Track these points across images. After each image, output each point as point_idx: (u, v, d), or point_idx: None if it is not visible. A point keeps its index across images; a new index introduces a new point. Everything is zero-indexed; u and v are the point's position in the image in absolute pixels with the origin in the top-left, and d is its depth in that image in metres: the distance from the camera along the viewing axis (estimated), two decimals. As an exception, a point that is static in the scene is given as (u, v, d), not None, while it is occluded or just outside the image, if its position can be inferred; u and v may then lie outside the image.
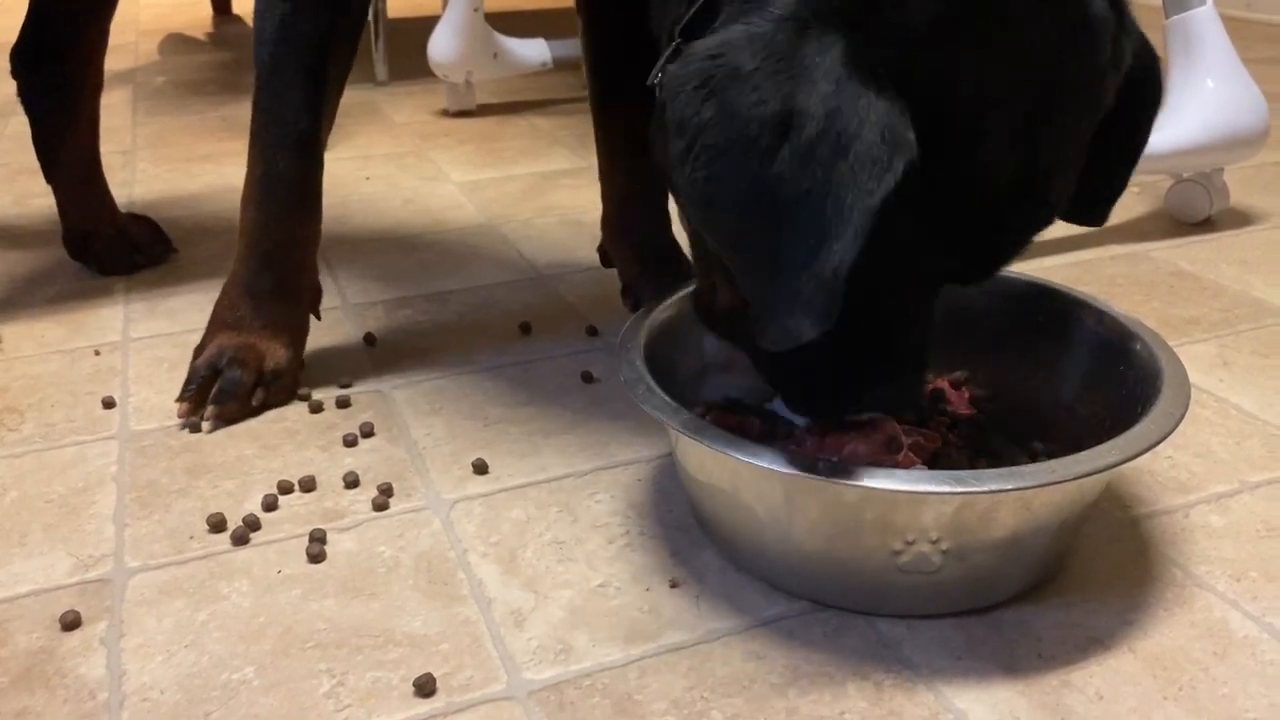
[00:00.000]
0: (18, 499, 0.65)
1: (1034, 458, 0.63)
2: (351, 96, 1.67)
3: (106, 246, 0.99)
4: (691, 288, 0.68)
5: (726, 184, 0.45)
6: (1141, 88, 0.54)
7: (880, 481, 0.49)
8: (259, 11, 0.73)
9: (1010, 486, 0.49)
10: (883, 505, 0.50)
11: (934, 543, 0.51)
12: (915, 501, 0.50)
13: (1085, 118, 0.50)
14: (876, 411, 0.57)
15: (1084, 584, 0.56)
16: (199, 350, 0.76)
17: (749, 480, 0.54)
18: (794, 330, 0.44)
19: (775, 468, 0.50)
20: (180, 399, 0.73)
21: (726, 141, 0.45)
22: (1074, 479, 0.50)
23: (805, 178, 0.44)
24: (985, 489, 0.49)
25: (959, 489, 0.48)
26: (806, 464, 0.50)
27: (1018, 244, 0.52)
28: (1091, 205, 0.58)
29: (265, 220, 0.76)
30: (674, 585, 0.57)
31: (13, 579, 0.58)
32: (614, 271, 0.93)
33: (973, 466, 0.62)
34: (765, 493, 0.53)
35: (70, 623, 0.54)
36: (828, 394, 0.56)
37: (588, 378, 0.78)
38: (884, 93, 0.44)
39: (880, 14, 0.45)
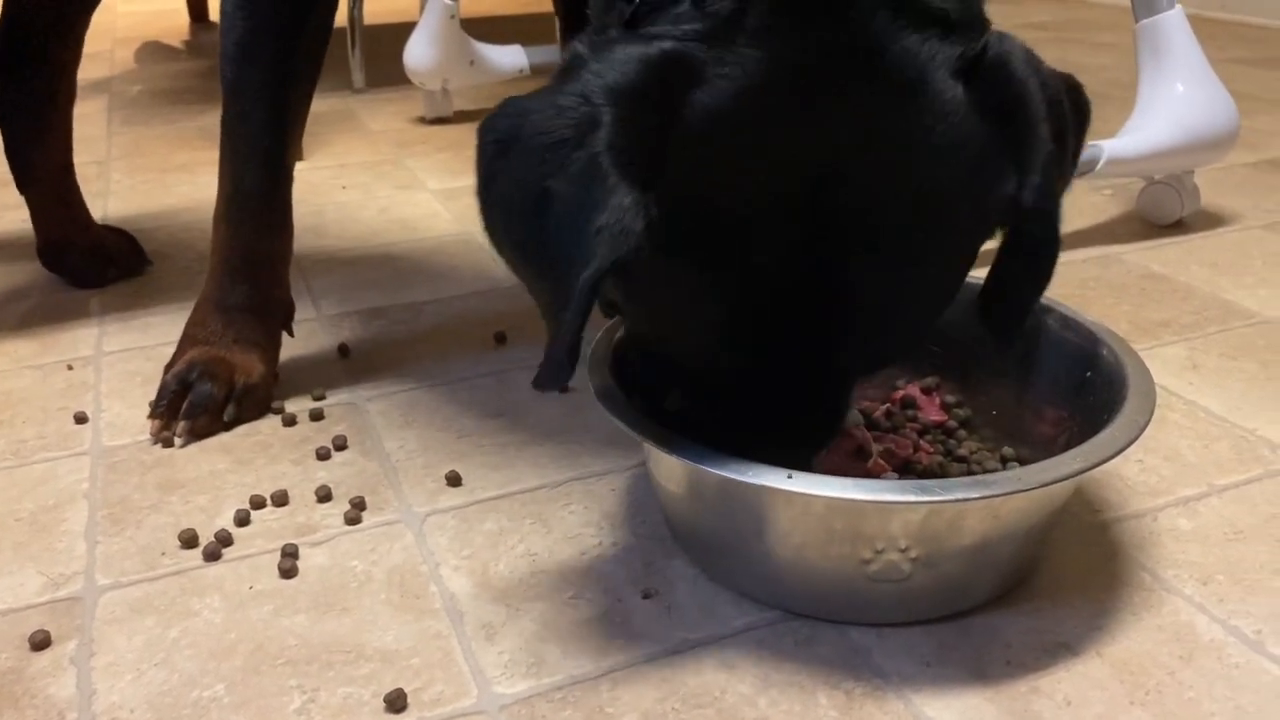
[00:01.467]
0: (-12, 517, 0.65)
1: (1004, 462, 0.64)
2: (328, 104, 1.67)
3: (81, 259, 0.98)
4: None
5: (506, 233, 0.49)
6: (1043, 222, 0.50)
7: (848, 492, 0.49)
8: (223, 30, 0.73)
9: (975, 495, 0.49)
10: (851, 515, 0.51)
11: (903, 551, 0.51)
12: (883, 511, 0.50)
13: (921, 241, 0.48)
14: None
15: (1053, 589, 0.57)
16: (169, 366, 0.75)
17: (720, 491, 0.54)
18: (539, 381, 0.48)
19: (745, 479, 0.50)
20: (151, 415, 0.73)
21: (506, 200, 0.48)
22: (1039, 487, 0.50)
23: (550, 252, 0.46)
24: (951, 498, 0.49)
25: (925, 498, 0.49)
26: (775, 474, 0.50)
27: (863, 355, 0.51)
28: (1001, 324, 0.56)
29: (235, 236, 0.76)
30: (646, 596, 0.57)
31: (-18, 598, 0.58)
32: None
33: (944, 471, 0.62)
34: (737, 503, 0.53)
35: (40, 642, 0.54)
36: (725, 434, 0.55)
37: (562, 387, 0.78)
38: (629, 182, 0.44)
39: (659, 103, 0.45)
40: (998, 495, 0.50)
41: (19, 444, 0.73)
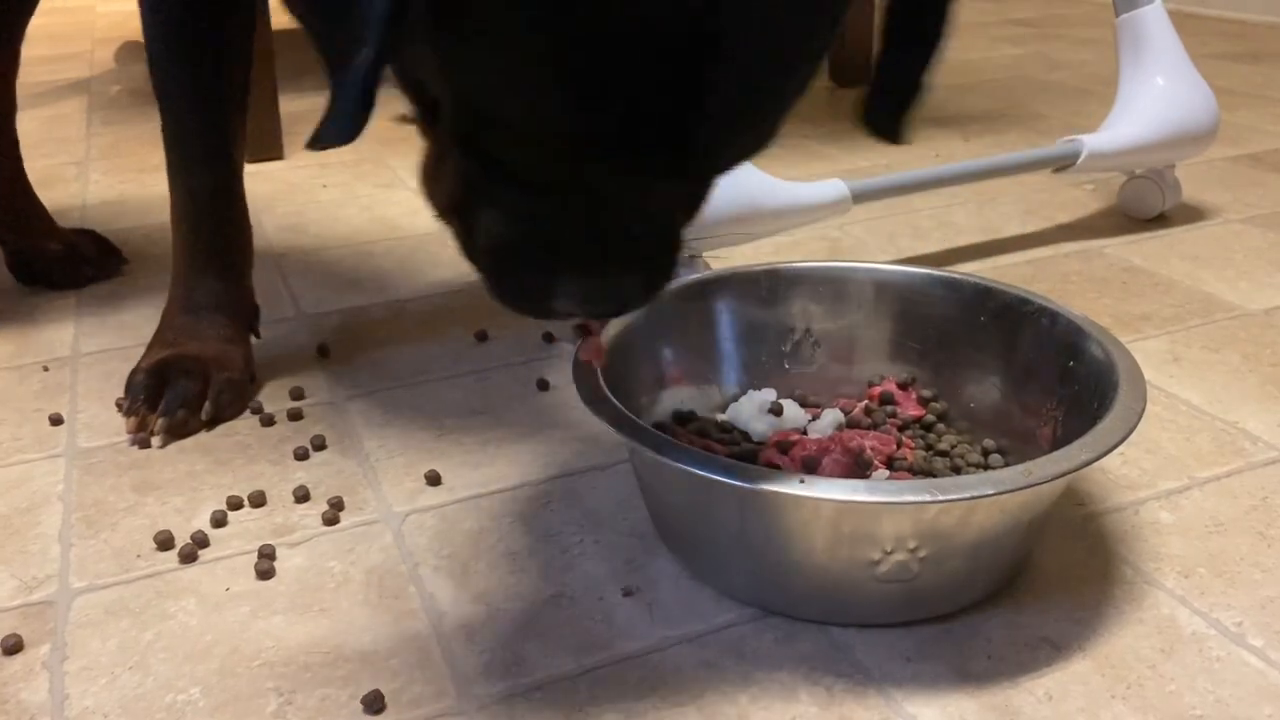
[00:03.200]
0: (-39, 520, 0.64)
1: (985, 454, 0.64)
2: (309, 103, 1.66)
3: (53, 264, 0.97)
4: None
5: None
6: None
7: (859, 494, 0.48)
8: (145, 37, 0.72)
9: (990, 492, 0.48)
10: (862, 517, 0.50)
11: (912, 551, 0.51)
12: (895, 512, 0.49)
13: None
14: (571, 309, 0.47)
15: (1034, 584, 0.57)
16: (137, 368, 0.75)
17: (728, 500, 0.52)
18: (323, 135, 0.40)
19: (755, 485, 0.49)
20: (127, 414, 0.72)
21: None
22: (1052, 480, 0.49)
23: None
24: (965, 496, 0.48)
25: (941, 497, 0.48)
26: (788, 480, 0.49)
27: (721, 138, 0.42)
28: (885, 117, 0.51)
29: (194, 236, 0.76)
30: (627, 594, 0.56)
31: (-46, 603, 0.57)
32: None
33: (928, 466, 0.62)
34: (743, 510, 0.52)
35: (12, 647, 0.53)
36: (524, 283, 0.48)
37: (543, 385, 0.78)
38: None
39: None
40: (1011, 491, 0.49)
41: (-7, 446, 0.72)
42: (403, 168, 1.32)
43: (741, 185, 0.84)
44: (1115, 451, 0.63)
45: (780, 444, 0.62)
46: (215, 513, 0.63)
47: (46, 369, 0.83)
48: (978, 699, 0.49)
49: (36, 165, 1.33)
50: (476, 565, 0.59)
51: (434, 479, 0.67)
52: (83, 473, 0.68)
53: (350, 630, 0.54)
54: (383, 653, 0.53)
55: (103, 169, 1.35)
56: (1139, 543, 0.60)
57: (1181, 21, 1.04)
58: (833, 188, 0.89)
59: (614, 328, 0.64)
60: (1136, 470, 0.66)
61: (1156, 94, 1.01)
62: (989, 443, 0.64)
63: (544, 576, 0.58)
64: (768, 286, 0.70)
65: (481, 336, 0.85)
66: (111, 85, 1.82)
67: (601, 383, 0.57)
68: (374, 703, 0.49)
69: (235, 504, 0.64)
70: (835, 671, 0.51)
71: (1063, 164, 0.99)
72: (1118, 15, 1.03)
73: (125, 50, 2.10)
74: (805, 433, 0.64)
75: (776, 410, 0.65)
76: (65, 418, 0.75)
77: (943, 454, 0.64)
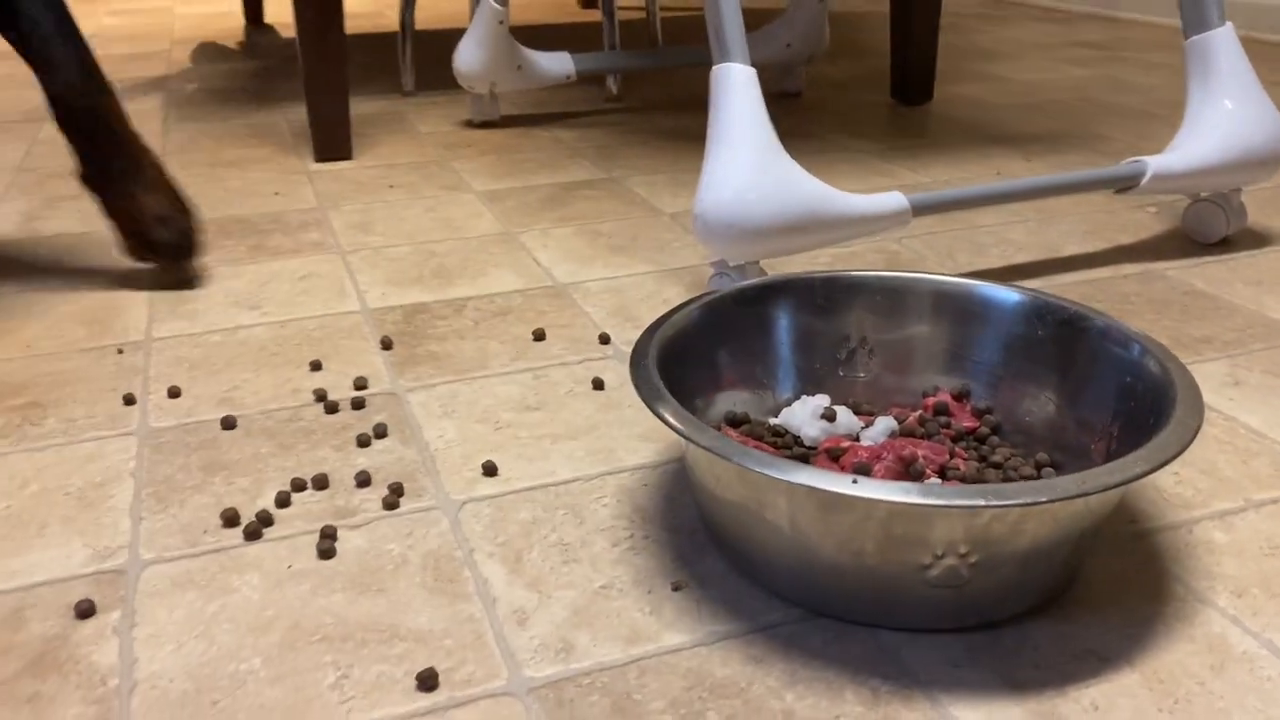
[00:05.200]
0: (38, 492, 0.67)
1: (1039, 468, 0.64)
2: (378, 106, 1.70)
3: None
4: (707, 295, 0.69)
5: None
6: None
7: (912, 497, 0.49)
8: None
9: (1044, 499, 0.49)
10: (915, 520, 0.50)
11: (963, 556, 0.51)
12: (947, 516, 0.50)
13: None
14: None
15: (1084, 597, 0.57)
16: None
17: (784, 499, 0.53)
18: None
19: (811, 483, 0.50)
20: None
21: None
22: (1103, 490, 0.49)
23: None
24: (1017, 503, 0.48)
25: (995, 503, 0.48)
26: (840, 480, 0.49)
27: None
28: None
29: None
30: (676, 588, 0.57)
31: (30, 568, 0.59)
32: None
33: (981, 477, 0.62)
34: (794, 510, 0.53)
35: (85, 611, 0.56)
36: None
37: (598, 384, 0.79)
38: None
39: None
40: (1065, 499, 0.49)
41: (69, 423, 0.75)
42: (466, 170, 1.35)
43: (800, 194, 0.85)
44: (1170, 471, 0.62)
45: (831, 450, 0.62)
46: (279, 493, 0.65)
47: (121, 351, 0.85)
48: (1024, 706, 0.50)
49: (115, 158, 1.38)
50: (529, 554, 0.60)
51: (490, 470, 0.68)
52: (153, 451, 0.71)
53: (406, 610, 0.56)
54: (437, 633, 0.54)
55: (179, 163, 1.39)
56: (1192, 561, 0.60)
57: (1251, 47, 1.03)
58: (893, 200, 0.90)
59: (670, 329, 0.65)
60: (1191, 490, 0.66)
61: (1224, 117, 1.00)
62: (1043, 456, 0.64)
63: (594, 568, 0.59)
64: (824, 294, 0.71)
65: (539, 336, 0.87)
66: (187, 84, 1.87)
67: (660, 383, 0.58)
68: (428, 680, 0.51)
69: (299, 486, 0.66)
70: (882, 674, 0.52)
71: (1126, 184, 0.99)
72: (1187, 37, 1.03)
73: (201, 51, 2.16)
74: (858, 439, 0.65)
75: (830, 416, 0.65)
76: (138, 398, 0.78)
77: (996, 466, 0.64)
